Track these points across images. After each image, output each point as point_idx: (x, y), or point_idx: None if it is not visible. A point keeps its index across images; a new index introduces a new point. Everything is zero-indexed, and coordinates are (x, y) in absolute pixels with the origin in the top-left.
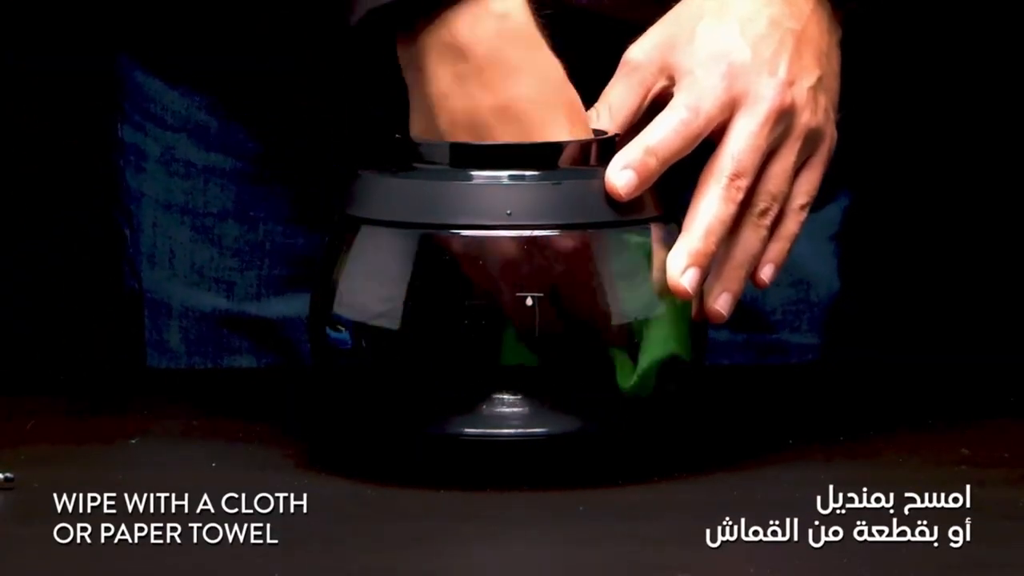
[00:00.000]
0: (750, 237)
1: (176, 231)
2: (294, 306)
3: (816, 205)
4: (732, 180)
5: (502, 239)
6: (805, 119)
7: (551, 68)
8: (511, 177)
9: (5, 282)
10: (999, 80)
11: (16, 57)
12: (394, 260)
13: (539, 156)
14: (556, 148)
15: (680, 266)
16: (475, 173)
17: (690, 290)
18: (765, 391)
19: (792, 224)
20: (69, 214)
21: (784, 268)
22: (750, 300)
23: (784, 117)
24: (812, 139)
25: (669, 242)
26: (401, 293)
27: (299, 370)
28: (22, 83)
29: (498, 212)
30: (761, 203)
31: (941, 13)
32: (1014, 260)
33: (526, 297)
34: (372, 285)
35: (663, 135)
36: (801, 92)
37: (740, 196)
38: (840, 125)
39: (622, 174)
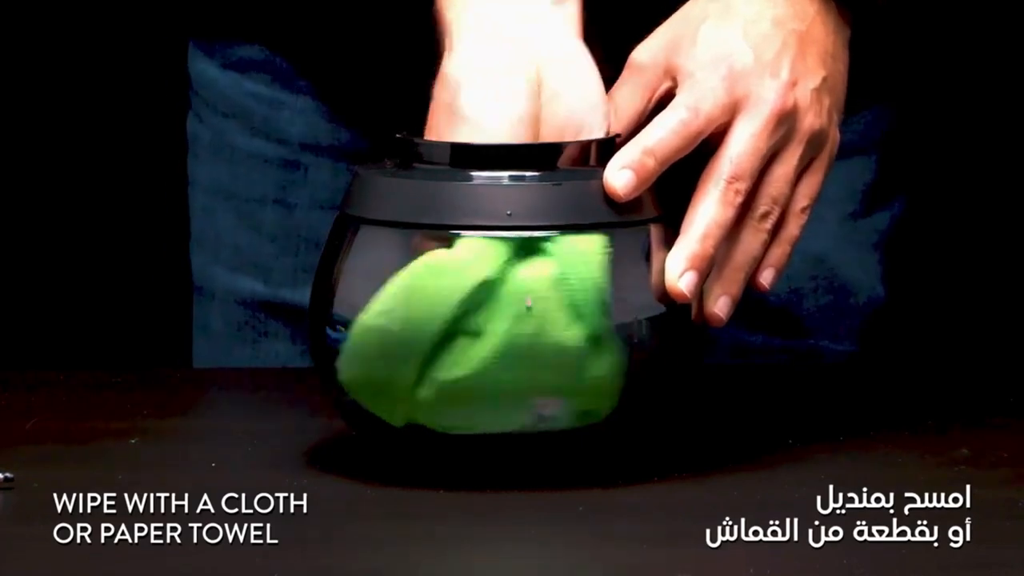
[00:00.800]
0: (750, 240)
1: (222, 216)
2: None
3: (865, 211)
4: (730, 183)
5: None
6: (808, 122)
7: None
8: (511, 178)
9: (13, 279)
10: None
11: (95, 49)
12: (394, 260)
13: (539, 157)
14: (556, 149)
15: (678, 269)
16: (475, 173)
17: (688, 293)
18: (766, 391)
19: (793, 228)
20: (122, 206)
21: (824, 274)
22: (787, 305)
23: (786, 120)
24: (815, 142)
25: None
26: None
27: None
28: (104, 75)
29: (498, 213)
30: (762, 206)
31: (988, 19)
32: None
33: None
34: (372, 285)
35: (662, 135)
36: (804, 94)
37: (739, 199)
38: (896, 131)
39: (620, 174)
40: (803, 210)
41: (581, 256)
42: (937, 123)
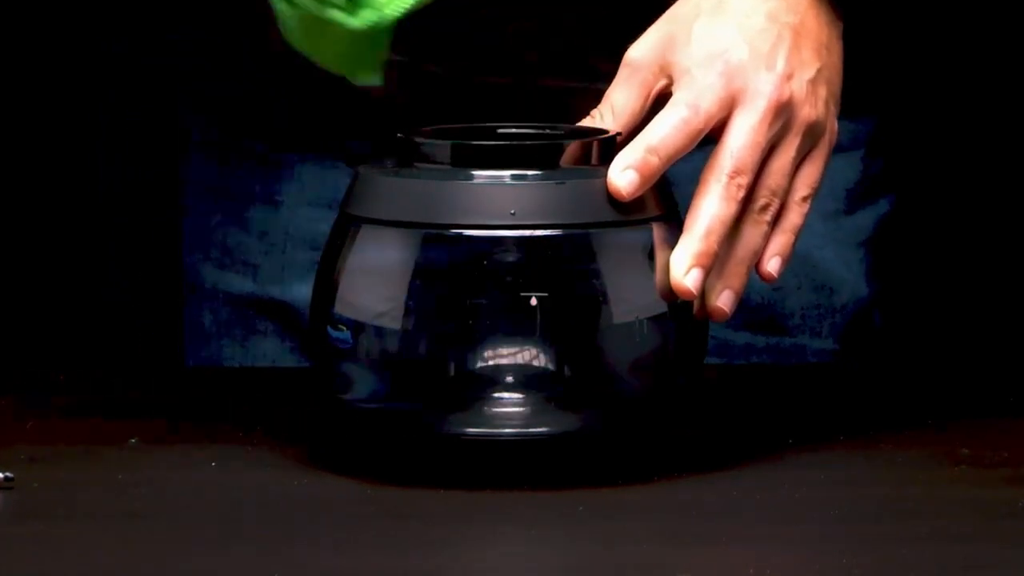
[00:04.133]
0: (751, 233)
1: (211, 214)
2: None
3: (849, 209)
4: (732, 178)
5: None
6: (805, 113)
7: None
8: (513, 176)
9: (13, 278)
10: None
11: (79, 43)
12: (395, 260)
13: (541, 155)
14: (557, 147)
15: (683, 267)
16: (477, 173)
17: (694, 290)
18: (766, 391)
19: (795, 216)
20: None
21: (807, 272)
22: (770, 303)
23: (783, 111)
24: (812, 133)
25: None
26: (402, 293)
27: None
28: (87, 68)
29: (501, 212)
30: (761, 199)
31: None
32: None
33: (530, 297)
34: (373, 285)
35: (664, 133)
36: (800, 85)
37: (741, 194)
38: (882, 129)
39: (624, 175)
40: (804, 199)
41: None
42: (924, 120)
